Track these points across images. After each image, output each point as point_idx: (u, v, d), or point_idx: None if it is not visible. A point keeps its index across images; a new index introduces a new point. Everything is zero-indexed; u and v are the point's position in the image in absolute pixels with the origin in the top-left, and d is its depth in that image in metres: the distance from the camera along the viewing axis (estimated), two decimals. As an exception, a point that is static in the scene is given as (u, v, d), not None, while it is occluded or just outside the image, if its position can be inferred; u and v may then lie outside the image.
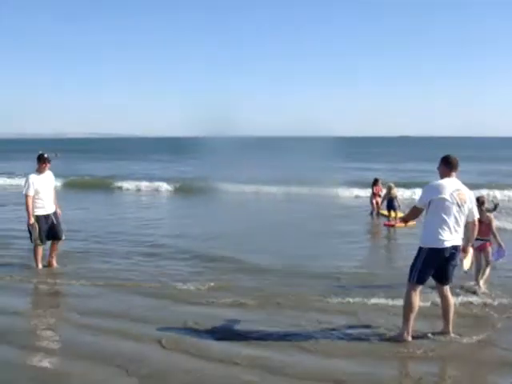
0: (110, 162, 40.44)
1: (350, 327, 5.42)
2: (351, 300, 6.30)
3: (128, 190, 21.83)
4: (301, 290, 6.73)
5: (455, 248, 4.98)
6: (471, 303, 6.21)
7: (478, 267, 7.02)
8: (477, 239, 6.95)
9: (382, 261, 9.43)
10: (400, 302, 5.69)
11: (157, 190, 21.48)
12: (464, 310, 5.92)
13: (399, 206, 13.48)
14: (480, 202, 6.98)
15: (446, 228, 4.89)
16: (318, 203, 16.42)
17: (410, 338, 5.04)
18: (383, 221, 13.31)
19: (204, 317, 5.69)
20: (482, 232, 6.94)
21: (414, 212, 5.17)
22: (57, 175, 8.46)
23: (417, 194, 17.07)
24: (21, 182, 22.16)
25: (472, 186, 5.99)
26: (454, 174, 5.06)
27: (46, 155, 7.78)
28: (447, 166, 5.07)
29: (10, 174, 26.20)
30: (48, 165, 7.79)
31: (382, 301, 6.24)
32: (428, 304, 5.98)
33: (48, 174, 7.87)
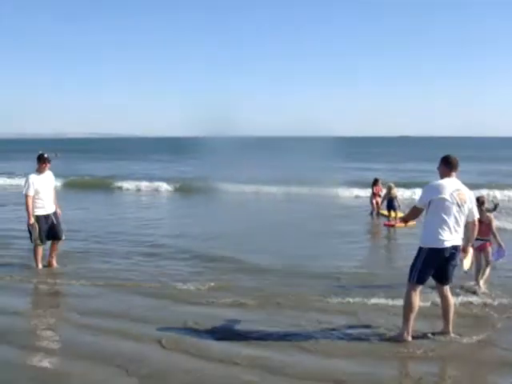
0: (109, 162, 40.44)
1: (350, 327, 5.42)
2: (351, 300, 6.30)
3: (128, 189, 21.84)
4: (301, 290, 6.73)
5: (455, 248, 4.98)
6: (471, 303, 6.21)
7: (478, 267, 7.02)
8: (477, 239, 6.95)
9: (381, 261, 9.43)
10: (400, 302, 5.69)
11: (157, 190, 21.48)
12: (464, 310, 5.93)
13: (399, 206, 13.48)
14: (480, 201, 6.98)
15: (446, 228, 4.89)
16: (318, 203, 16.42)
17: (409, 338, 5.04)
18: (383, 221, 13.31)
19: (204, 317, 5.69)
20: (481, 232, 6.94)
21: (414, 212, 5.16)
22: (56, 175, 8.45)
23: (417, 193, 17.07)
24: (21, 182, 22.17)
25: (472, 186, 5.99)
26: (454, 174, 5.06)
27: (46, 155, 7.77)
28: (447, 166, 5.06)
29: (10, 174, 26.20)
30: (48, 165, 7.79)
31: (382, 301, 6.24)
32: (428, 304, 5.98)
33: (48, 174, 7.87)
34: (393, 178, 20.46)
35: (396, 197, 13.51)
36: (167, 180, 22.95)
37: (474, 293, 6.64)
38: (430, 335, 5.14)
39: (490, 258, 7.05)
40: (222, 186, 20.07)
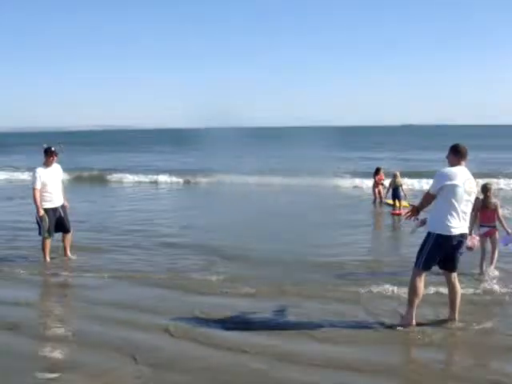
0: (111, 155, 40.39)
1: (356, 315, 5.48)
2: (356, 288, 6.35)
3: (131, 182, 21.86)
4: (307, 280, 6.79)
5: (462, 236, 5.02)
6: (477, 290, 6.25)
7: (483, 254, 7.08)
8: (483, 226, 7.02)
9: (386, 249, 9.48)
10: (405, 290, 5.75)
11: (160, 182, 21.52)
12: (470, 297, 5.96)
13: (405, 195, 13.49)
14: (487, 189, 7.04)
15: (455, 215, 4.92)
16: (321, 193, 16.44)
17: (414, 323, 5.09)
18: (387, 210, 13.36)
19: (212, 306, 5.76)
20: (488, 218, 7.01)
21: (427, 198, 5.11)
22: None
23: (422, 182, 17.09)
24: (25, 176, 22.32)
25: (479, 175, 6.02)
26: (463, 162, 5.06)
27: (53, 148, 7.82)
28: (456, 154, 5.07)
29: (15, 168, 26.30)
30: (55, 158, 7.84)
31: (387, 288, 6.29)
32: (433, 292, 6.02)
33: (55, 167, 7.92)
34: (396, 167, 20.46)
35: (401, 185, 13.52)
36: (170, 172, 22.98)
37: (480, 280, 6.70)
38: (436, 322, 5.19)
39: (498, 243, 7.12)
40: (225, 178, 20.11)
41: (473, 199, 5.08)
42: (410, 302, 5.11)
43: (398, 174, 13.59)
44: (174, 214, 13.11)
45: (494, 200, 7.08)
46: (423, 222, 5.29)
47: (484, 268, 7.02)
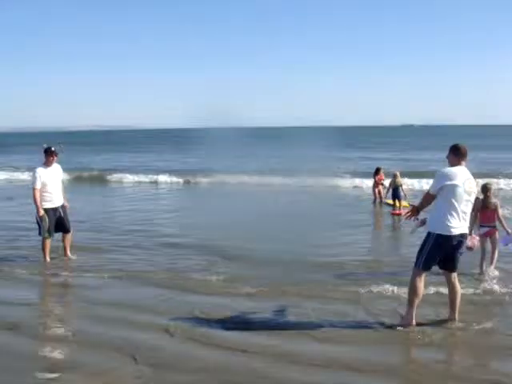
0: (111, 155, 40.42)
1: (357, 315, 5.48)
2: (356, 288, 6.36)
3: (130, 182, 21.84)
4: (308, 280, 6.79)
5: (462, 236, 5.02)
6: (477, 290, 6.25)
7: (483, 254, 7.09)
8: (483, 226, 7.03)
9: (386, 249, 9.49)
10: (404, 290, 5.76)
11: (161, 182, 21.51)
12: (470, 297, 5.96)
13: (405, 195, 13.49)
14: (487, 189, 7.05)
15: (455, 215, 4.92)
16: (321, 193, 16.47)
17: (414, 323, 5.10)
18: (386, 210, 13.36)
19: (213, 306, 5.76)
20: (488, 218, 7.02)
21: (427, 199, 5.11)
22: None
23: (422, 182, 17.08)
24: (25, 176, 22.33)
25: (479, 175, 6.03)
26: (463, 163, 5.07)
27: (53, 148, 7.82)
28: (456, 154, 5.07)
29: (15, 168, 26.29)
30: (55, 158, 7.84)
31: (387, 288, 6.29)
32: (433, 292, 6.03)
33: (55, 167, 7.93)
34: (396, 167, 20.47)
35: (401, 185, 13.52)
36: (170, 172, 22.99)
37: (480, 280, 6.70)
38: (435, 322, 5.19)
39: (498, 243, 7.13)
40: (225, 178, 20.13)
41: (473, 199, 5.09)
42: (410, 302, 5.12)
43: (398, 173, 13.58)
44: (174, 214, 13.10)
45: (494, 200, 7.09)
46: (423, 222, 5.29)
47: (484, 268, 7.03)
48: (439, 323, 5.19)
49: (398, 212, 12.71)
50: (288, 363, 4.37)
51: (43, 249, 7.85)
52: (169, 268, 7.48)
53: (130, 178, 22.41)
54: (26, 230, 9.73)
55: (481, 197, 7.12)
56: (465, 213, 4.98)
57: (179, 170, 24.42)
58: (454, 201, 4.90)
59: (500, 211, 7.10)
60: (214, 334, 5.01)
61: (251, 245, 8.78)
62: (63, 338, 5.12)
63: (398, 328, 5.08)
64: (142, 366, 4.34)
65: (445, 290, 5.57)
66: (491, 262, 7.09)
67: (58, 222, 7.89)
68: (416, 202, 6.36)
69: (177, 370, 4.28)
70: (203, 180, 21.03)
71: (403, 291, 5.86)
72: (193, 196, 18.43)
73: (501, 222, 7.06)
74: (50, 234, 7.82)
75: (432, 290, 6.04)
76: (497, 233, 7.13)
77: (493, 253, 7.13)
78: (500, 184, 16.97)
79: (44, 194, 7.69)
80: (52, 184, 7.76)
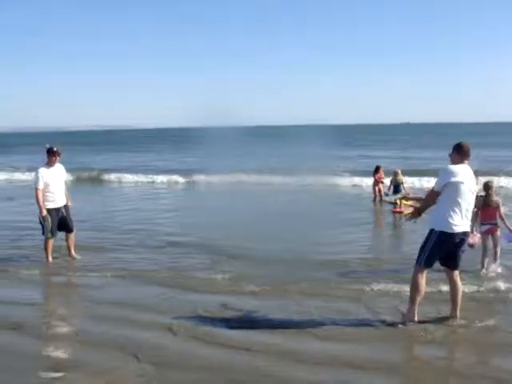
0: (111, 154, 40.39)
1: (358, 313, 5.50)
2: (359, 286, 6.37)
3: (134, 182, 21.80)
4: (310, 278, 6.81)
5: (465, 234, 5.04)
6: (479, 288, 6.26)
7: (484, 252, 7.12)
8: (485, 223, 7.05)
9: (387, 247, 9.52)
10: (406, 288, 5.77)
11: (161, 181, 21.51)
12: (472, 295, 5.98)
13: (407, 194, 13.48)
14: (488, 186, 7.08)
15: (458, 212, 4.93)
16: (321, 192, 16.48)
17: (416, 319, 5.11)
18: (387, 208, 13.36)
19: (216, 305, 5.78)
20: (489, 216, 7.05)
21: (432, 196, 5.09)
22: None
23: (424, 180, 17.09)
24: (25, 176, 22.33)
25: (480, 173, 6.04)
26: (466, 161, 5.07)
27: (55, 148, 7.83)
28: (460, 153, 5.08)
29: (15, 168, 26.30)
30: (58, 158, 7.86)
31: (388, 286, 6.32)
32: (435, 289, 6.03)
33: (58, 167, 7.94)
34: (396, 165, 20.47)
35: (402, 182, 13.52)
36: (170, 171, 23.02)
37: (482, 277, 6.72)
38: (437, 320, 5.20)
39: (499, 241, 7.15)
40: (225, 177, 20.11)
41: (474, 197, 5.11)
42: (412, 299, 5.13)
43: (399, 171, 13.58)
44: (175, 213, 13.10)
45: (495, 198, 7.12)
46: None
47: (485, 265, 7.05)
48: (441, 321, 5.20)
49: (398, 210, 12.72)
50: (291, 361, 4.38)
51: (46, 249, 7.86)
52: (171, 267, 7.50)
53: (130, 177, 22.40)
54: (29, 229, 9.74)
55: (482, 194, 7.16)
56: (467, 210, 5.00)
57: (179, 169, 24.41)
58: (457, 198, 4.91)
59: (502, 209, 7.13)
60: (218, 332, 5.03)
61: (253, 244, 8.79)
62: (66, 337, 5.15)
63: (399, 325, 5.10)
64: (144, 364, 4.36)
65: (446, 288, 5.59)
66: (494, 259, 7.12)
67: (61, 222, 7.90)
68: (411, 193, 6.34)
69: (180, 369, 4.29)
70: (203, 179, 21.02)
71: (405, 289, 5.87)
72: (193, 195, 18.43)
73: (503, 219, 7.09)
74: (53, 234, 7.83)
75: (433, 287, 6.05)
76: (498, 230, 7.16)
77: (495, 250, 7.16)
78: (501, 182, 16.95)
79: (47, 194, 7.70)
80: (55, 184, 7.77)
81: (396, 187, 13.40)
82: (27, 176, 21.83)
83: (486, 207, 7.07)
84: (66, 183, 8.21)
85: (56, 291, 6.86)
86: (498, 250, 7.16)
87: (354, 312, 5.53)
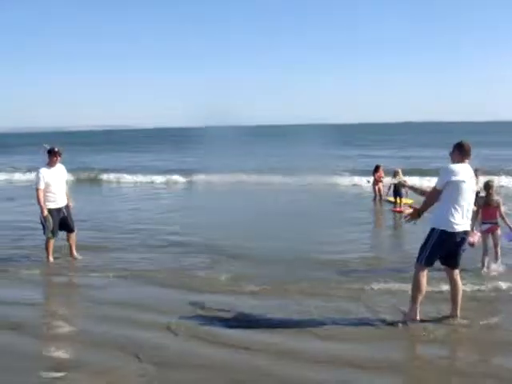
0: (111, 154, 40.37)
1: (360, 312, 5.50)
2: (359, 286, 6.38)
3: (134, 182, 21.76)
4: (310, 277, 6.81)
5: (465, 233, 5.05)
6: (480, 287, 6.26)
7: (485, 250, 7.14)
8: (485, 222, 7.07)
9: (387, 246, 9.53)
10: (406, 287, 5.78)
11: (161, 181, 21.48)
12: (473, 294, 5.98)
13: (406, 192, 13.48)
14: (489, 186, 7.10)
15: (459, 211, 4.94)
16: (320, 191, 16.49)
17: (418, 318, 5.11)
18: (387, 207, 13.36)
19: (217, 305, 5.78)
20: (490, 215, 7.08)
21: (433, 195, 5.07)
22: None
23: (424, 180, 17.08)
24: (25, 176, 22.33)
25: (484, 172, 6.02)
26: (466, 160, 5.07)
27: (56, 148, 7.84)
28: (461, 152, 5.07)
29: (16, 168, 26.31)
30: (59, 158, 7.86)
31: (389, 286, 6.32)
32: (436, 289, 6.03)
33: (59, 168, 7.94)
34: (396, 164, 20.47)
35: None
36: (170, 171, 23.00)
37: (483, 276, 6.73)
38: (437, 319, 5.20)
39: (499, 240, 7.18)
40: (225, 177, 20.11)
41: (474, 196, 5.13)
42: (414, 298, 5.13)
43: (399, 170, 13.55)
44: (175, 213, 13.08)
45: (496, 197, 7.15)
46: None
47: (486, 264, 7.07)
48: (441, 320, 5.19)
49: (399, 209, 12.72)
50: (291, 361, 4.38)
51: (46, 249, 7.86)
52: (172, 267, 7.50)
53: (130, 177, 22.40)
54: (29, 229, 9.76)
55: (483, 194, 7.20)
56: (468, 210, 5.02)
57: (179, 169, 24.39)
58: (458, 197, 4.91)
59: (502, 208, 7.15)
60: (218, 332, 5.03)
61: (253, 243, 8.80)
62: (67, 337, 5.16)
63: (400, 324, 5.09)
64: (145, 364, 4.36)
65: (446, 287, 5.59)
66: (495, 259, 7.15)
67: (62, 222, 7.90)
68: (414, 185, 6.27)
69: (181, 368, 4.30)
70: (203, 179, 21.02)
71: (405, 288, 5.88)
72: (193, 195, 18.43)
73: (503, 218, 7.12)
74: (54, 234, 7.84)
75: (434, 286, 6.04)
76: (499, 229, 7.18)
77: (495, 250, 7.19)
78: (501, 181, 16.93)
79: (48, 194, 7.70)
80: (56, 184, 7.77)
81: (396, 187, 13.40)
82: (27, 176, 21.85)
83: (486, 206, 7.11)
84: (67, 183, 8.21)
85: (57, 291, 6.86)
86: (499, 249, 7.19)
87: (354, 311, 5.53)
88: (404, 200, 13.21)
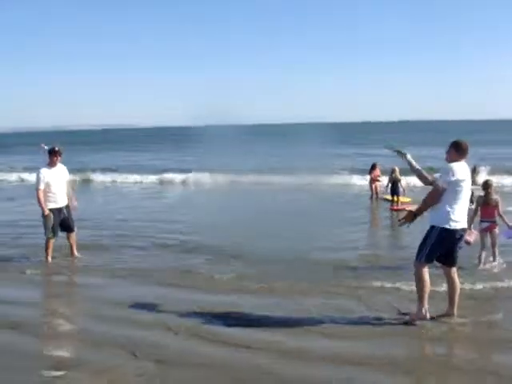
0: (111, 154, 40.37)
1: (360, 310, 5.53)
2: (359, 284, 6.41)
3: (134, 181, 21.74)
4: (310, 276, 6.83)
5: (463, 230, 5.09)
6: (477, 285, 6.29)
7: (483, 247, 7.20)
8: (484, 221, 7.12)
9: (385, 244, 9.56)
10: (405, 285, 5.80)
11: (162, 181, 21.49)
12: (470, 292, 6.00)
13: (404, 190, 13.53)
14: (488, 185, 7.14)
15: (459, 209, 4.97)
16: (319, 191, 16.47)
17: (428, 317, 5.08)
18: (385, 205, 13.38)
19: (218, 304, 5.79)
20: (489, 214, 7.13)
21: (435, 195, 5.03)
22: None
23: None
24: (24, 176, 22.33)
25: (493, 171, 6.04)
26: (463, 159, 5.08)
27: (56, 148, 7.84)
28: (458, 151, 5.08)
29: (14, 168, 26.30)
30: (59, 158, 7.86)
31: (389, 283, 6.34)
32: (433, 287, 6.04)
33: (60, 168, 7.94)
34: (394, 163, 20.45)
35: (400, 180, 13.53)
36: (170, 171, 22.99)
37: (481, 274, 6.76)
38: (434, 318, 5.19)
39: (497, 238, 7.22)
40: (225, 176, 20.10)
41: (470, 194, 5.18)
42: (421, 297, 5.11)
43: (396, 169, 13.57)
44: (175, 212, 13.10)
45: (494, 196, 7.20)
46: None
47: (483, 261, 7.13)
48: (439, 318, 5.19)
49: (396, 207, 12.75)
50: (292, 359, 4.40)
51: (46, 249, 7.87)
52: (173, 266, 7.51)
53: (130, 177, 22.39)
54: (29, 229, 9.77)
55: (481, 193, 7.26)
56: (465, 208, 5.06)
57: (178, 168, 24.38)
58: (458, 196, 4.94)
59: (500, 207, 7.20)
60: (219, 330, 5.05)
61: (253, 242, 8.77)
62: (67, 336, 5.17)
63: (411, 322, 5.06)
64: (146, 362, 4.37)
65: (443, 285, 5.60)
66: (493, 257, 7.19)
67: (63, 222, 7.91)
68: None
69: (181, 367, 4.31)
70: (203, 178, 21.02)
71: (405, 286, 5.90)
72: (192, 195, 18.43)
73: (502, 217, 7.17)
74: (55, 234, 7.85)
75: (431, 285, 6.06)
76: (497, 228, 7.22)
77: (493, 249, 7.24)
78: (504, 179, 16.92)
79: (48, 194, 7.71)
80: (56, 184, 7.77)
81: (393, 185, 13.43)
82: (27, 176, 21.83)
83: (485, 205, 7.17)
84: (72, 183, 8.20)
85: (57, 290, 6.85)
86: (496, 248, 7.23)
87: (353, 309, 5.56)
88: (401, 198, 13.24)
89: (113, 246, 8.89)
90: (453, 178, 4.90)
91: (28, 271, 7.33)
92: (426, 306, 5.11)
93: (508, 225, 7.13)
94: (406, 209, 10.40)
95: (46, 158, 7.88)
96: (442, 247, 5.05)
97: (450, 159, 5.11)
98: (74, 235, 8.06)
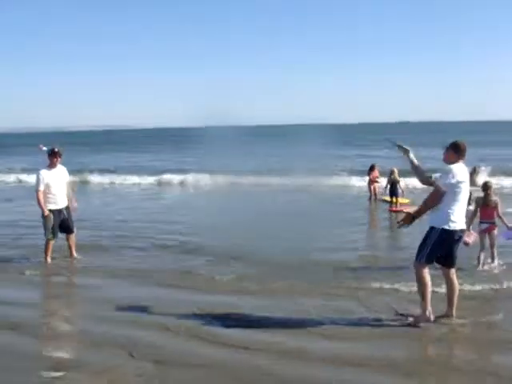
0: (111, 155, 40.36)
1: (359, 312, 5.52)
2: (359, 285, 6.41)
3: (134, 182, 21.69)
4: (310, 277, 6.82)
5: (462, 231, 5.10)
6: (477, 286, 6.29)
7: (482, 248, 7.21)
8: (483, 222, 7.13)
9: (384, 246, 9.56)
10: (404, 286, 5.80)
11: (162, 182, 21.47)
12: (469, 293, 6.01)
13: (402, 191, 13.53)
14: (487, 186, 7.16)
15: (459, 211, 4.98)
16: (319, 192, 16.48)
17: (432, 319, 5.06)
18: (384, 207, 13.39)
19: (218, 305, 5.79)
20: (488, 215, 7.15)
21: (436, 197, 5.01)
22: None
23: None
24: (23, 176, 22.32)
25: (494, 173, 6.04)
26: (462, 160, 5.08)
27: (56, 149, 7.84)
28: (456, 152, 5.08)
29: (13, 170, 26.30)
30: (59, 159, 7.86)
31: (388, 284, 6.35)
32: (432, 288, 6.04)
33: (60, 169, 7.95)
34: (393, 165, 20.46)
35: (399, 182, 13.52)
36: (170, 171, 22.98)
37: (480, 275, 6.77)
38: (436, 318, 5.19)
39: (496, 239, 7.24)
40: (225, 177, 20.10)
41: (468, 195, 5.18)
42: (423, 296, 5.08)
43: (395, 170, 13.56)
44: (175, 213, 13.09)
45: (494, 198, 7.22)
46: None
47: (482, 261, 7.13)
48: (438, 319, 5.17)
49: (395, 209, 12.75)
50: (292, 360, 4.39)
51: (46, 250, 7.87)
52: (172, 267, 7.51)
53: (130, 178, 22.37)
54: (29, 230, 9.76)
55: (481, 195, 7.27)
56: (464, 209, 5.08)
57: (178, 169, 24.39)
58: (458, 197, 4.95)
59: (500, 209, 7.21)
60: (218, 331, 5.04)
61: (253, 244, 8.80)
62: (67, 336, 5.17)
63: (415, 324, 5.04)
64: (145, 363, 4.37)
65: (443, 286, 5.60)
66: (492, 258, 7.20)
67: (62, 224, 7.91)
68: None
69: (181, 368, 4.30)
70: (202, 179, 21.01)
71: (403, 287, 5.89)
72: (192, 196, 18.43)
73: (501, 218, 7.19)
74: (54, 235, 7.85)
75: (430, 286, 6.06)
76: (496, 229, 7.24)
77: (492, 250, 7.26)
78: (502, 181, 16.91)
79: (48, 195, 7.71)
80: (56, 186, 7.77)
81: (392, 186, 13.44)
82: (25, 178, 21.84)
83: (484, 206, 7.18)
84: (70, 184, 8.21)
85: (57, 291, 6.85)
86: (495, 250, 7.24)
87: (353, 310, 5.55)
88: (400, 199, 13.24)
89: (112, 246, 8.89)
90: (453, 180, 4.91)
91: (27, 272, 7.33)
92: (430, 307, 5.09)
93: (507, 226, 7.15)
94: (404, 210, 10.38)
95: (46, 159, 7.87)
96: (442, 248, 5.05)
97: (449, 160, 5.11)
98: (73, 236, 8.07)
